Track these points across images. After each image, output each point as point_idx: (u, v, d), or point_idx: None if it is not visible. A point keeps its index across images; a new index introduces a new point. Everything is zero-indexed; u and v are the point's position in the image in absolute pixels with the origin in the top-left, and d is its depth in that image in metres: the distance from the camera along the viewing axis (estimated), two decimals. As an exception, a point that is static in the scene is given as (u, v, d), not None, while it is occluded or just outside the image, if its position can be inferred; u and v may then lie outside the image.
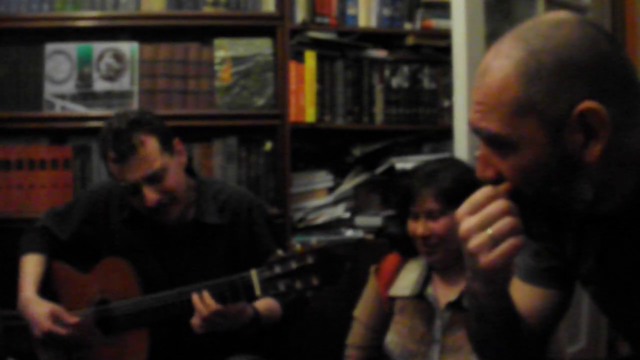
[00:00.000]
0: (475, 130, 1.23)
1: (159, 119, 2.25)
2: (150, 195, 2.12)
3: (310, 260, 1.88)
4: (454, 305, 2.08)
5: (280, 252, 1.92)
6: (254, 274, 1.93)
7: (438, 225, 2.06)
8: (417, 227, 2.09)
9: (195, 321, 1.98)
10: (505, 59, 1.18)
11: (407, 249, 2.19)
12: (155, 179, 2.13)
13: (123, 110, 2.26)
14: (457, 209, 2.04)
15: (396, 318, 2.18)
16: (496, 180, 1.23)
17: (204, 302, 1.96)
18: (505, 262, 1.20)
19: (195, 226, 2.26)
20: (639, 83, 1.19)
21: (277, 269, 1.90)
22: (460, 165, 2.14)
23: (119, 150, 2.11)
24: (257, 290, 1.92)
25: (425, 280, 2.16)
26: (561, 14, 1.21)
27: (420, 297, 2.15)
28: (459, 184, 2.03)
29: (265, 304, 2.15)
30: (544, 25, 1.19)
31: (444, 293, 2.12)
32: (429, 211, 2.07)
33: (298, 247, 1.91)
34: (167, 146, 2.18)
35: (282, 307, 2.21)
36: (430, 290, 2.14)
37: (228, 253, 2.25)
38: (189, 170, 2.34)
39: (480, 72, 1.22)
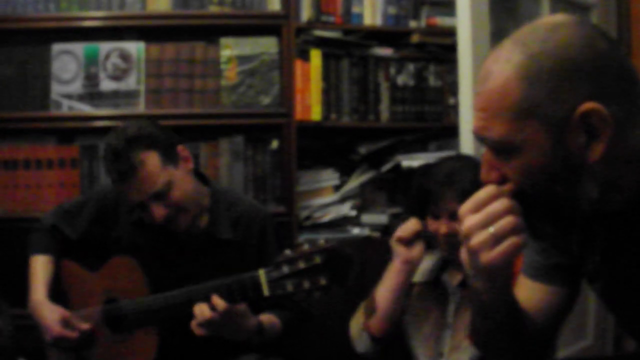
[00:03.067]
0: (479, 138, 1.25)
1: (160, 128, 2.21)
2: (158, 211, 2.12)
3: (318, 260, 1.87)
4: (462, 285, 2.12)
5: (288, 252, 1.92)
6: (261, 273, 1.93)
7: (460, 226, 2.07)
8: (440, 227, 2.10)
9: (195, 324, 1.98)
10: (505, 63, 1.18)
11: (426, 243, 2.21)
12: (160, 196, 2.12)
13: (123, 125, 2.19)
14: None
15: (413, 302, 2.21)
16: (500, 183, 1.24)
17: (212, 305, 1.96)
18: (506, 260, 1.20)
19: (207, 238, 2.26)
20: (638, 81, 1.20)
21: (285, 269, 1.89)
22: (475, 164, 2.15)
23: (119, 171, 2.09)
24: (265, 290, 1.92)
25: (442, 267, 2.20)
26: (559, 17, 1.23)
27: (436, 282, 2.18)
28: (478, 183, 2.04)
29: (267, 318, 2.15)
30: (542, 28, 1.20)
31: (457, 277, 2.16)
32: (452, 212, 2.06)
33: (306, 246, 1.91)
34: (169, 158, 2.15)
35: (281, 324, 2.20)
36: (446, 276, 2.19)
37: (237, 265, 2.23)
38: (201, 177, 2.34)
39: (480, 78, 1.23)
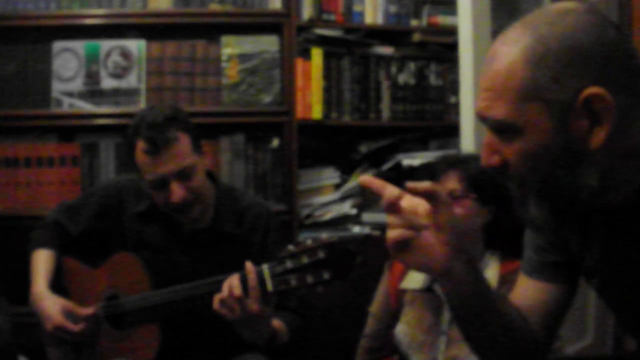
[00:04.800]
0: (482, 118, 1.24)
1: (190, 119, 2.25)
2: (178, 191, 2.12)
3: (321, 254, 1.86)
4: None
5: (291, 247, 1.91)
6: (265, 268, 1.92)
7: (458, 206, 2.08)
8: None
9: (218, 300, 1.93)
10: (512, 45, 1.19)
11: None
12: (184, 175, 2.13)
13: (158, 105, 2.26)
14: (477, 196, 2.06)
15: (406, 310, 2.21)
16: (501, 167, 1.24)
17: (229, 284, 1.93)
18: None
19: (211, 232, 2.26)
20: None
21: (289, 264, 1.89)
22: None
23: (153, 142, 2.10)
24: (269, 285, 1.91)
25: None
26: (568, 3, 1.23)
27: (429, 290, 2.17)
28: (485, 174, 2.05)
29: (279, 327, 2.13)
30: (551, 13, 1.20)
31: None
32: (451, 191, 2.08)
33: (309, 241, 1.90)
34: (197, 146, 2.19)
35: (289, 333, 2.19)
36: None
37: (240, 261, 2.22)
38: (209, 174, 2.34)
39: (487, 58, 1.23)
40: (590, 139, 1.16)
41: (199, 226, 2.25)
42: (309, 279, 1.87)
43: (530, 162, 1.21)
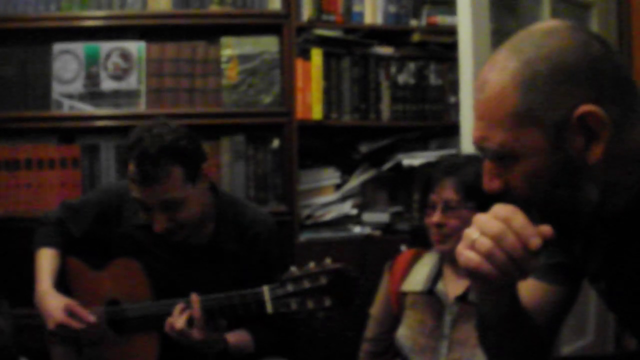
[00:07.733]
0: (479, 148, 1.25)
1: (193, 141, 2.15)
2: (160, 222, 2.10)
3: (323, 280, 1.85)
4: (461, 299, 2.10)
5: (294, 270, 1.91)
6: (266, 290, 1.92)
7: (454, 216, 2.07)
8: (433, 216, 2.10)
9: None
10: (501, 71, 1.19)
11: (424, 239, 2.20)
12: (169, 207, 2.09)
13: (160, 126, 2.11)
14: (475, 203, 2.05)
15: (407, 313, 2.20)
16: (503, 191, 1.25)
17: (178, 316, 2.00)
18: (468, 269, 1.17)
19: (210, 248, 2.24)
20: (634, 82, 1.21)
21: (290, 287, 1.88)
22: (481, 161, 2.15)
23: (142, 172, 2.04)
24: (269, 307, 1.91)
25: (437, 276, 2.18)
26: (552, 22, 1.24)
27: (430, 292, 2.17)
28: (481, 180, 2.04)
29: (237, 339, 2.14)
30: (536, 34, 1.21)
31: (453, 287, 2.14)
32: (447, 200, 2.07)
33: (312, 265, 1.89)
34: (191, 176, 2.12)
35: (254, 344, 2.20)
36: (441, 285, 2.16)
37: (240, 276, 2.21)
38: (210, 186, 2.30)
39: (477, 87, 1.23)
40: (587, 155, 1.17)
41: (198, 242, 2.24)
42: (310, 304, 1.86)
43: (531, 184, 1.21)
